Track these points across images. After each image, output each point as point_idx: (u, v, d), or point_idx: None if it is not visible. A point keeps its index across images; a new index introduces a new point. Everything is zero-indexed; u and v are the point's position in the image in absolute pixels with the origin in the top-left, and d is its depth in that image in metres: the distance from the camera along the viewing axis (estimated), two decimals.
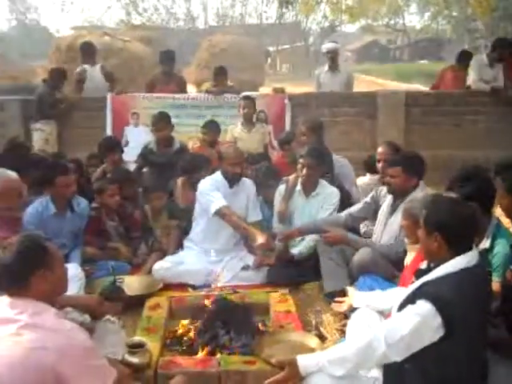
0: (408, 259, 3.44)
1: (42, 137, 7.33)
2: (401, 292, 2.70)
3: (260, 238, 4.20)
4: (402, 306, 2.41)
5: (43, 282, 2.18)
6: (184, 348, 3.25)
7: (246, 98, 6.78)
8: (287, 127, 7.33)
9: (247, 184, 4.78)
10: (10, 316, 2.09)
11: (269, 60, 33.98)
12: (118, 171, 5.40)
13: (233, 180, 4.61)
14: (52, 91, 7.42)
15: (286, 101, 7.52)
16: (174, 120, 6.50)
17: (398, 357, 2.31)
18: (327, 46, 8.34)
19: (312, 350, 2.99)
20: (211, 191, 4.49)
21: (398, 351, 2.30)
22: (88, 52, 8.07)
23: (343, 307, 3.33)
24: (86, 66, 7.86)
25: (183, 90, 7.93)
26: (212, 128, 6.36)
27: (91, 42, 8.88)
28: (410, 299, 2.37)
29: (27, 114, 7.70)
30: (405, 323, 2.30)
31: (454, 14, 33.31)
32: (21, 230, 3.76)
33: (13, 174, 3.68)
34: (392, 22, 39.17)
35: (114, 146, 5.90)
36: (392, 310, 2.60)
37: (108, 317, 3.08)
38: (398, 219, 3.88)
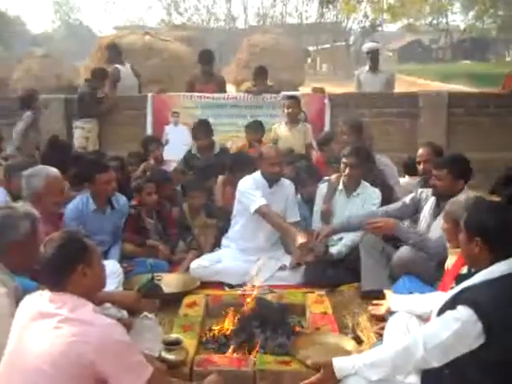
0: (449, 263, 3.37)
1: (82, 135, 7.47)
2: (441, 296, 2.65)
3: (300, 238, 4.19)
4: (441, 311, 2.36)
5: (82, 277, 2.23)
6: (220, 346, 3.25)
7: (291, 97, 6.75)
8: (327, 127, 7.27)
9: (286, 184, 4.77)
10: (51, 310, 2.14)
11: (309, 60, 33.86)
12: (155, 172, 5.47)
13: (272, 180, 4.61)
14: (93, 90, 7.55)
15: (326, 101, 7.46)
16: (213, 120, 6.60)
17: (436, 362, 2.27)
18: (368, 45, 8.26)
19: (348, 353, 2.96)
20: (252, 190, 4.49)
21: (437, 356, 2.26)
22: (115, 52, 8.24)
23: (381, 310, 3.29)
24: (118, 66, 8.01)
25: (223, 90, 7.95)
26: (255, 128, 6.42)
27: (116, 42, 9.03)
28: (450, 304, 2.32)
29: (70, 112, 7.88)
30: (444, 328, 2.25)
31: (500, 12, 32.56)
32: (62, 226, 3.86)
33: (55, 171, 3.77)
34: (435, 21, 38.50)
35: (156, 142, 6.17)
36: (431, 314, 2.55)
37: (145, 313, 3.12)
38: (441, 222, 3.80)
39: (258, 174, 4.65)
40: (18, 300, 2.40)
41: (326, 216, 4.76)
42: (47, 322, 2.11)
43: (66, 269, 2.21)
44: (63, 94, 8.49)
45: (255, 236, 4.64)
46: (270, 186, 4.62)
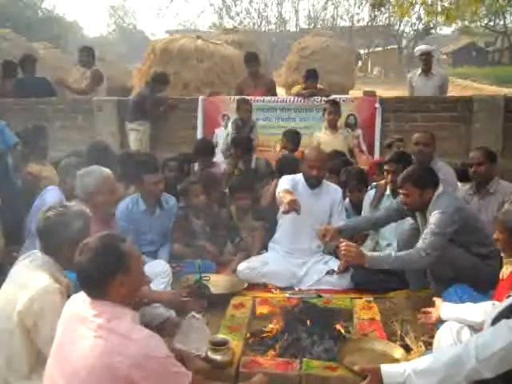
0: (504, 272, 3.27)
1: (136, 137, 7.56)
2: (495, 305, 2.57)
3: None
4: (495, 320, 2.29)
5: (121, 286, 2.17)
6: (265, 348, 3.24)
7: (333, 103, 6.74)
8: (377, 131, 7.19)
9: (332, 189, 4.73)
10: (90, 317, 2.12)
11: (359, 63, 33.58)
12: (203, 175, 5.52)
13: (311, 182, 4.59)
14: (153, 94, 7.64)
15: (377, 105, 7.36)
16: (263, 122, 6.62)
17: (489, 373, 2.19)
18: (421, 48, 8.12)
19: (396, 361, 2.91)
20: (283, 186, 4.46)
21: (490, 367, 2.19)
22: (91, 55, 8.41)
23: (431, 318, 3.21)
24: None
25: (272, 92, 7.95)
26: (290, 138, 6.45)
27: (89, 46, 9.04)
28: (506, 313, 2.25)
29: (122, 114, 7.98)
30: (498, 338, 2.18)
31: None
32: (115, 226, 3.94)
33: (107, 172, 3.83)
34: (491, 23, 37.43)
35: (210, 149, 6.18)
36: (484, 324, 2.48)
37: (193, 313, 3.15)
38: None
39: (299, 175, 4.67)
40: (69, 296, 2.46)
41: None
42: (86, 329, 2.10)
43: (103, 280, 2.15)
44: (115, 96, 8.62)
45: (298, 238, 4.63)
46: (312, 188, 4.60)
